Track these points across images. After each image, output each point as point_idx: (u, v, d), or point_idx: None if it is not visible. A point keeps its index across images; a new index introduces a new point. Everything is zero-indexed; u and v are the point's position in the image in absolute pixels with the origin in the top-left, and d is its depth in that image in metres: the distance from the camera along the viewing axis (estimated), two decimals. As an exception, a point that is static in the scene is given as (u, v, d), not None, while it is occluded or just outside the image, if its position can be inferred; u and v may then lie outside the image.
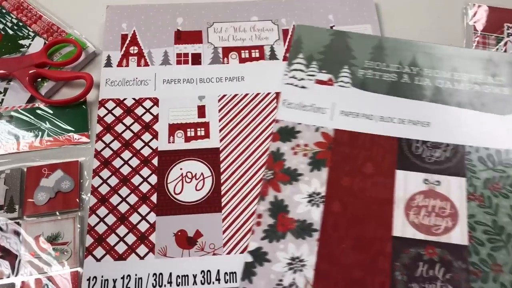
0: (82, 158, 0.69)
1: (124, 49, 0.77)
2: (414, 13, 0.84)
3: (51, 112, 0.72)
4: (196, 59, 0.77)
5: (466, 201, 0.62)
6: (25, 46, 0.77)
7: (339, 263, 0.59)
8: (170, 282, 0.61)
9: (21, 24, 0.79)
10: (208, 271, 0.62)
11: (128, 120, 0.71)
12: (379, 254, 0.60)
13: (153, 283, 0.61)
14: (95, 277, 0.61)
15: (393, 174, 0.65)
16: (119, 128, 0.70)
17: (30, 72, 0.73)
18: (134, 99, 0.72)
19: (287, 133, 0.67)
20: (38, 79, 0.74)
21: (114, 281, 0.61)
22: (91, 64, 0.78)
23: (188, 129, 0.71)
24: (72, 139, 0.70)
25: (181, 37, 0.78)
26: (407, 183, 0.64)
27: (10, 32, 0.79)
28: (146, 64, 0.75)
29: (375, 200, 0.63)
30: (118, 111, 0.71)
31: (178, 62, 0.76)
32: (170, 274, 0.61)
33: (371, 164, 0.65)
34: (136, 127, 0.70)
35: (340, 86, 0.71)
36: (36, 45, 0.77)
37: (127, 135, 0.70)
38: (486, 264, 0.58)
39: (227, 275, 0.61)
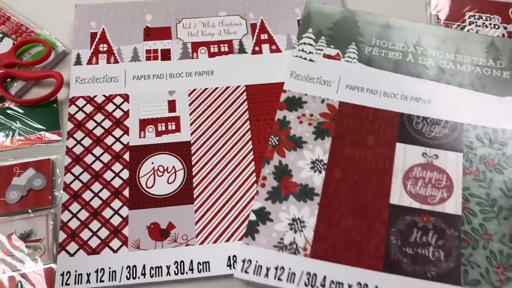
0: (54, 156, 0.69)
1: (93, 47, 0.76)
2: (378, 2, 0.85)
3: (22, 111, 0.72)
4: (166, 55, 0.77)
5: (462, 175, 0.64)
6: None
7: (338, 226, 0.61)
8: (144, 274, 0.61)
9: None
10: (182, 261, 0.62)
11: (99, 117, 0.71)
12: (376, 219, 0.62)
13: (127, 276, 0.61)
14: (68, 272, 0.61)
15: (394, 147, 0.66)
16: (90, 125, 0.70)
17: None
18: (104, 96, 0.72)
19: (293, 103, 0.69)
20: (8, 79, 0.74)
21: (88, 275, 0.61)
22: (61, 63, 0.77)
23: (159, 124, 0.71)
24: (43, 137, 0.70)
25: (150, 33, 0.78)
26: (406, 155, 0.66)
27: None
28: (116, 61, 0.75)
29: (375, 170, 0.65)
30: (88, 108, 0.71)
31: (148, 58, 0.76)
32: (144, 266, 0.62)
33: (372, 136, 0.67)
34: (107, 124, 0.71)
35: (347, 61, 0.73)
36: (5, 46, 0.76)
37: (98, 131, 0.70)
38: (477, 232, 0.60)
39: (200, 264, 0.62)
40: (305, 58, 0.73)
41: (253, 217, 0.61)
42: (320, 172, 0.64)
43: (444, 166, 0.65)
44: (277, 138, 0.66)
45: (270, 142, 0.66)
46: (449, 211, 0.62)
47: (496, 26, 0.80)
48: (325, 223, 0.62)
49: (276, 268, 0.59)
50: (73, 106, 0.71)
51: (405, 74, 0.72)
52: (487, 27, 0.80)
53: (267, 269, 0.58)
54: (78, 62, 0.75)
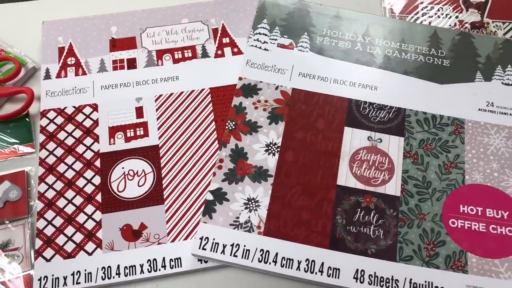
0: (28, 167, 0.70)
1: (62, 61, 0.77)
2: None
3: None
4: (132, 63, 0.78)
5: (402, 158, 0.68)
6: None
7: (289, 205, 0.65)
8: (118, 274, 0.63)
9: None
10: (154, 259, 0.64)
11: (69, 127, 0.72)
12: (324, 199, 0.65)
13: (102, 276, 0.63)
14: (46, 276, 0.62)
15: (342, 130, 0.70)
16: (61, 135, 0.71)
17: None
18: (74, 107, 0.73)
19: (249, 90, 0.72)
20: None
21: (65, 278, 0.62)
22: (32, 78, 0.79)
23: (128, 130, 0.72)
24: (17, 150, 0.71)
25: (116, 44, 0.79)
26: (353, 139, 0.70)
27: None
28: (84, 73, 0.76)
29: (324, 152, 0.68)
30: (59, 120, 0.72)
31: (115, 68, 0.77)
32: (118, 266, 0.63)
33: (323, 121, 0.70)
34: (78, 133, 0.72)
35: (299, 50, 0.76)
36: None
37: (70, 141, 0.71)
38: (413, 212, 0.65)
39: (172, 261, 0.64)
40: (260, 48, 0.75)
41: (210, 197, 0.65)
42: (274, 154, 0.68)
43: (387, 149, 0.69)
44: (233, 123, 0.69)
45: (227, 127, 0.69)
46: (389, 192, 0.66)
47: (449, 16, 0.83)
48: (277, 202, 0.65)
49: (232, 245, 0.62)
50: (44, 118, 0.72)
51: (354, 62, 0.75)
52: (439, 17, 0.83)
53: (224, 246, 0.62)
54: (47, 76, 0.76)
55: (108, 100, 0.74)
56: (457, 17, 0.83)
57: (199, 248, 0.61)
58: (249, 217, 0.63)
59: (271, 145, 0.68)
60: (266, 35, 0.76)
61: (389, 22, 0.79)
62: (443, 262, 0.61)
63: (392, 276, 0.60)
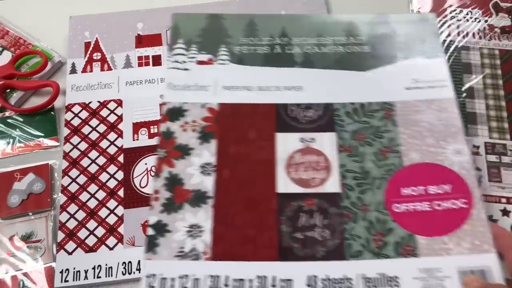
0: (52, 160, 0.72)
1: (87, 55, 0.78)
2: (361, 1, 0.87)
3: (21, 120, 0.75)
4: (157, 60, 0.80)
5: (337, 153, 0.66)
6: None
7: (233, 224, 0.62)
8: (138, 269, 0.64)
9: None
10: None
11: (94, 122, 0.73)
12: (266, 211, 0.63)
13: (122, 271, 0.63)
14: (67, 269, 0.62)
15: (273, 137, 0.67)
16: (86, 129, 0.73)
17: None
18: (99, 102, 0.75)
19: (175, 113, 0.69)
20: (7, 90, 0.77)
21: (86, 271, 0.63)
22: (58, 72, 0.80)
23: (152, 126, 0.74)
24: (42, 143, 0.73)
25: (142, 41, 0.81)
26: (286, 143, 0.67)
27: None
28: (109, 69, 0.77)
29: (260, 162, 0.66)
30: (84, 114, 0.74)
31: (140, 65, 0.78)
32: (139, 261, 0.65)
33: (254, 131, 0.68)
34: (102, 128, 0.73)
35: (219, 64, 0.73)
36: (4, 59, 0.79)
37: (94, 135, 0.72)
38: (356, 206, 0.62)
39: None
40: (179, 68, 0.72)
41: (151, 231, 0.61)
42: (210, 174, 0.65)
43: (321, 147, 0.66)
44: (164, 150, 0.66)
45: (157, 156, 0.66)
46: (329, 190, 0.64)
47: (478, 20, 0.80)
48: (221, 223, 0.62)
49: (181, 277, 0.59)
50: (69, 112, 0.74)
51: (275, 66, 0.73)
52: (468, 21, 0.80)
53: (172, 280, 0.59)
54: (73, 70, 0.77)
55: (133, 96, 0.76)
56: (486, 21, 0.81)
57: (147, 287, 0.58)
58: (194, 244, 0.61)
59: (206, 166, 0.65)
60: (183, 54, 0.73)
61: (303, 19, 0.77)
62: (392, 250, 0.59)
63: (344, 276, 0.58)
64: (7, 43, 0.80)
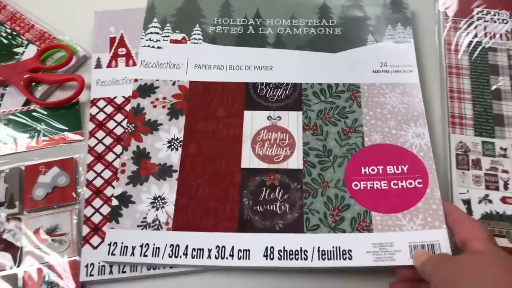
0: (76, 154, 0.70)
1: (113, 51, 0.76)
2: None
3: (46, 113, 0.73)
4: None
5: (302, 132, 0.67)
6: (19, 54, 0.78)
7: (196, 196, 0.63)
8: (156, 267, 0.63)
9: (15, 33, 0.80)
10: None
11: (119, 117, 0.71)
12: (230, 185, 0.64)
13: (147, 267, 0.62)
14: (92, 263, 0.62)
15: (242, 115, 0.69)
16: (111, 124, 0.71)
17: (25, 77, 0.74)
18: (124, 97, 0.72)
19: (146, 90, 0.70)
20: (33, 83, 0.75)
21: (111, 266, 0.62)
22: (82, 66, 0.79)
23: None
24: (66, 137, 0.71)
25: None
26: (253, 121, 0.68)
27: (5, 41, 0.79)
28: (134, 64, 0.75)
29: (227, 139, 0.67)
30: (109, 109, 0.72)
31: None
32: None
33: (223, 108, 0.69)
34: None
35: (193, 43, 0.75)
36: (30, 52, 0.78)
37: (119, 130, 0.70)
38: (316, 182, 0.64)
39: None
40: (153, 47, 0.74)
41: (115, 202, 0.63)
42: (177, 149, 0.66)
43: (287, 125, 0.68)
44: (133, 125, 0.68)
45: (126, 130, 0.67)
46: (292, 166, 0.65)
47: (505, 21, 0.78)
48: (184, 196, 0.63)
49: (141, 246, 0.60)
50: (94, 107, 0.72)
51: (247, 46, 0.74)
52: (495, 22, 0.78)
53: (133, 248, 0.60)
54: (98, 65, 0.75)
55: None
56: (514, 22, 0.77)
57: (108, 254, 0.59)
58: (156, 215, 0.62)
59: (173, 141, 0.66)
60: (157, 33, 0.75)
61: (277, 1, 0.77)
62: (348, 225, 0.60)
63: (301, 248, 0.59)
64: (32, 37, 0.79)
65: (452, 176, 0.65)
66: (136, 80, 0.71)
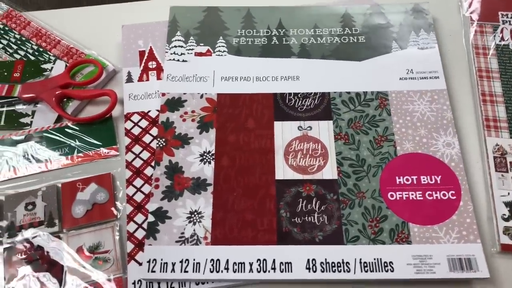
0: (113, 170, 0.69)
1: (143, 64, 0.75)
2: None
3: (79, 129, 0.72)
4: None
5: (334, 141, 0.66)
6: (48, 70, 0.77)
7: (233, 209, 0.62)
8: (207, 282, 0.61)
9: (41, 49, 0.79)
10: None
11: (154, 131, 0.70)
12: (265, 197, 0.63)
13: (196, 282, 0.61)
14: (140, 280, 0.61)
15: (272, 126, 0.68)
16: (147, 138, 0.69)
17: (56, 93, 0.73)
18: (158, 110, 0.71)
19: (174, 104, 0.69)
20: (64, 99, 0.74)
21: (159, 283, 0.60)
22: (111, 81, 0.77)
23: None
24: (101, 153, 0.70)
25: None
26: (284, 132, 0.68)
27: (32, 58, 0.78)
28: None
29: (259, 151, 0.66)
30: (144, 123, 0.70)
31: None
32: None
33: (252, 120, 0.68)
34: None
35: (218, 55, 0.74)
36: (58, 68, 0.77)
37: (155, 144, 0.68)
38: (352, 192, 0.63)
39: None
40: (178, 60, 0.73)
41: (151, 218, 0.62)
42: (209, 163, 0.65)
43: (318, 135, 0.67)
44: (163, 139, 0.67)
45: (157, 145, 0.66)
46: (327, 177, 0.64)
47: None
48: (220, 209, 0.63)
49: (181, 262, 0.59)
50: (128, 121, 0.71)
51: (272, 56, 0.73)
52: None
53: (173, 264, 0.59)
54: (129, 79, 0.74)
55: None
56: (540, 25, 0.78)
57: (148, 271, 0.58)
58: (194, 230, 0.61)
59: (205, 154, 0.65)
60: (182, 46, 0.74)
61: (299, 11, 0.77)
62: (388, 236, 0.60)
63: (343, 260, 0.59)
64: (59, 52, 0.78)
65: (491, 179, 0.64)
66: (163, 94, 0.69)
